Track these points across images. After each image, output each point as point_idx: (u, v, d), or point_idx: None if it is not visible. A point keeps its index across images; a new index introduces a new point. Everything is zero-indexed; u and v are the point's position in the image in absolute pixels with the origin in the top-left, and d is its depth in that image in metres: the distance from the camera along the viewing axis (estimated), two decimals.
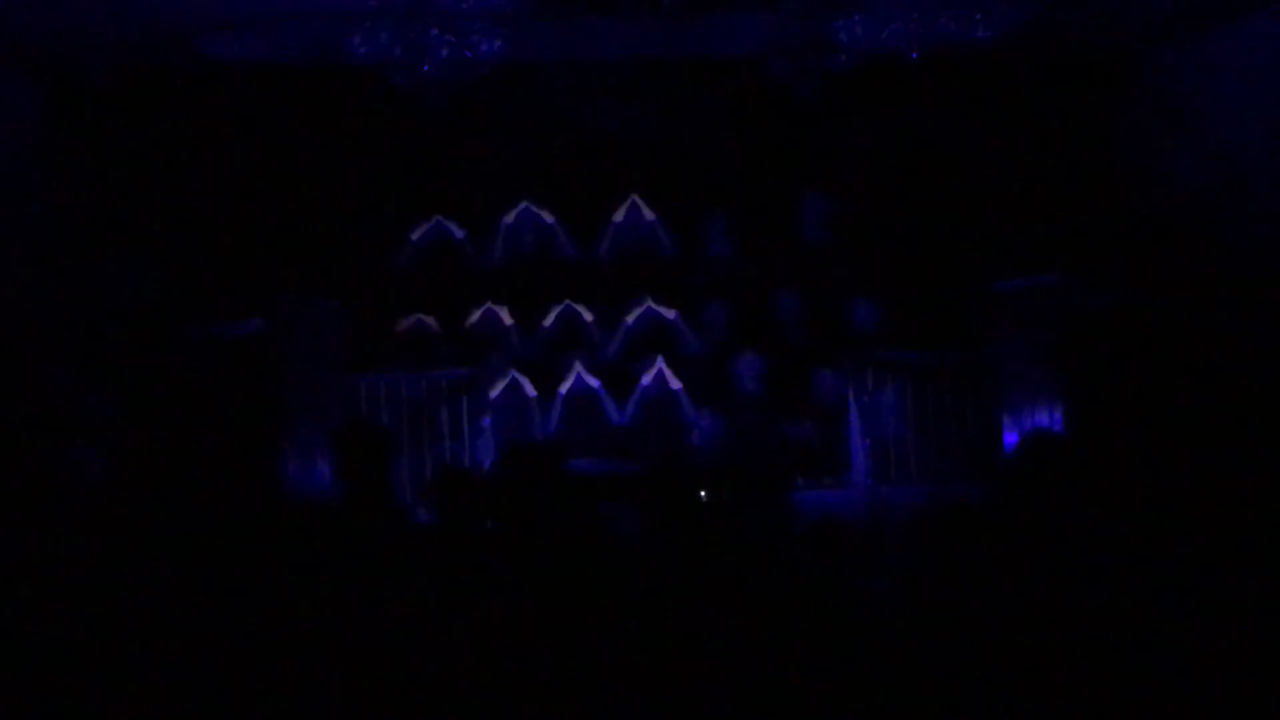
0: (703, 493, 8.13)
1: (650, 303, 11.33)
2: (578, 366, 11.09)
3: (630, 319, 11.34)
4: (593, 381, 11.10)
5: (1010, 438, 10.60)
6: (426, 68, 8.93)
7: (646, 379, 11.11)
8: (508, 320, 11.32)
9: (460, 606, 3.66)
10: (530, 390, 11.03)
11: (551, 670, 3.52)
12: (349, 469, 4.21)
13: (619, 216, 11.48)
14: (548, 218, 11.46)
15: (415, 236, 11.42)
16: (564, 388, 11.06)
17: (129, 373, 9.90)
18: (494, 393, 10.96)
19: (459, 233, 11.47)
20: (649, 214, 11.49)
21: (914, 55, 8.97)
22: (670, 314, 11.36)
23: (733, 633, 3.82)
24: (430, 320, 11.31)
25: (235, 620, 3.91)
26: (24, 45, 9.52)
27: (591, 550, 4.04)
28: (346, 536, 4.10)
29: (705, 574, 4.07)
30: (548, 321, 11.35)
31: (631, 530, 4.49)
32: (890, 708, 3.69)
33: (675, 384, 11.15)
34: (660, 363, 11.13)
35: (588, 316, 11.37)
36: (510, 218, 11.45)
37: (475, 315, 11.31)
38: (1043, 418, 10.40)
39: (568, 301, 11.36)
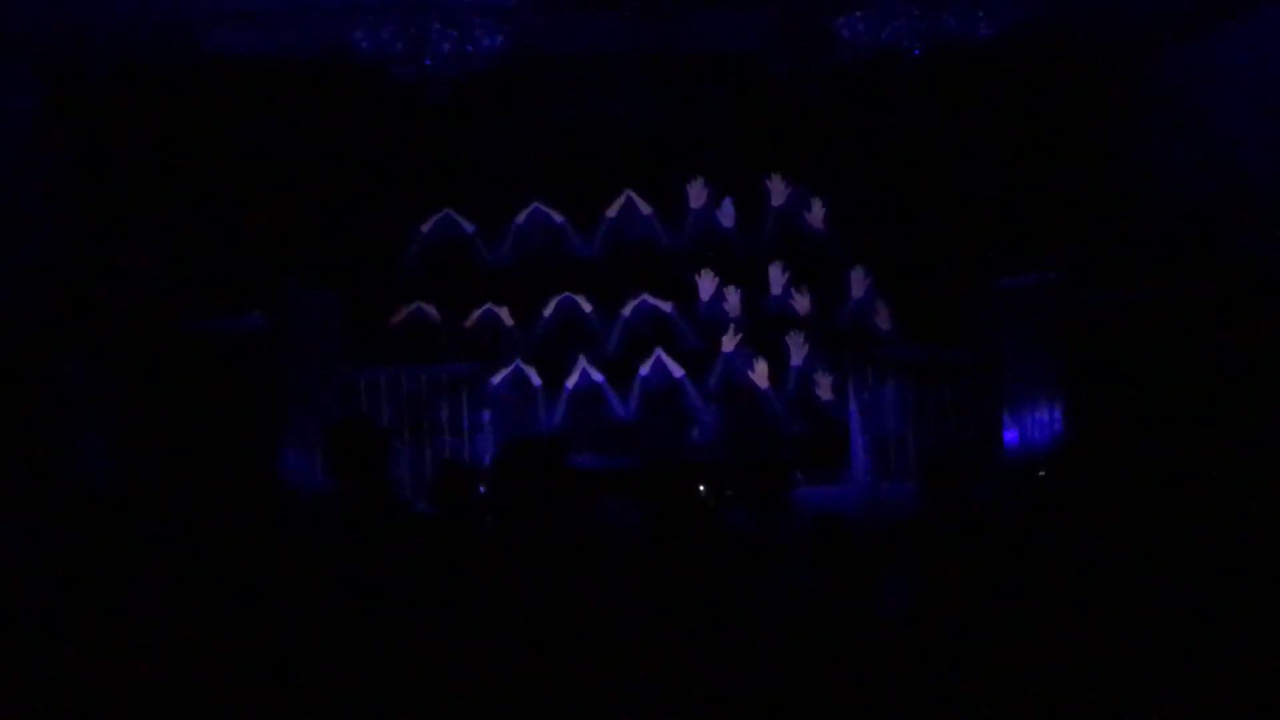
0: (702, 488, 8.14)
1: (646, 296, 11.32)
2: (582, 361, 11.07)
3: (627, 312, 11.32)
4: (596, 376, 11.08)
5: (1010, 434, 10.62)
6: (428, 62, 8.95)
7: (645, 371, 11.09)
8: (508, 315, 11.29)
9: (459, 602, 3.67)
10: (536, 381, 11.01)
11: (550, 665, 3.53)
12: (343, 468, 4.19)
13: (612, 212, 11.49)
14: (556, 217, 11.47)
15: (425, 229, 11.42)
16: (570, 382, 11.03)
17: (131, 366, 9.91)
18: (495, 387, 10.94)
19: (468, 227, 11.46)
20: (645, 208, 11.50)
21: (916, 52, 8.97)
22: (666, 307, 11.35)
23: (731, 629, 3.83)
24: (431, 311, 11.27)
25: (235, 612, 3.92)
26: (25, 38, 9.52)
27: (590, 546, 4.04)
28: (344, 532, 4.11)
29: (704, 570, 4.07)
30: (548, 313, 11.33)
31: (631, 526, 4.49)
32: (890, 704, 3.69)
33: (675, 378, 11.13)
34: (659, 356, 11.11)
35: (586, 308, 11.36)
36: (521, 218, 11.47)
37: (477, 310, 11.29)
38: (1042, 415, 10.41)
39: (568, 294, 11.34)
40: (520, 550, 3.76)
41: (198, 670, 3.75)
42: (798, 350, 11.22)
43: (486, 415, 10.86)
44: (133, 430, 9.76)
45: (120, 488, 9.32)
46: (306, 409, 10.14)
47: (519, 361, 11.02)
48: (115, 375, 9.83)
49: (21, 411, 9.18)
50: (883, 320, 11.34)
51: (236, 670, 3.71)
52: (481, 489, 5.29)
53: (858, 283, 11.41)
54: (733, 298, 11.39)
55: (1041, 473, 9.67)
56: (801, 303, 11.36)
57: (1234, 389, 9.21)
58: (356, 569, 3.85)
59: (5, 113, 9.77)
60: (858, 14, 8.94)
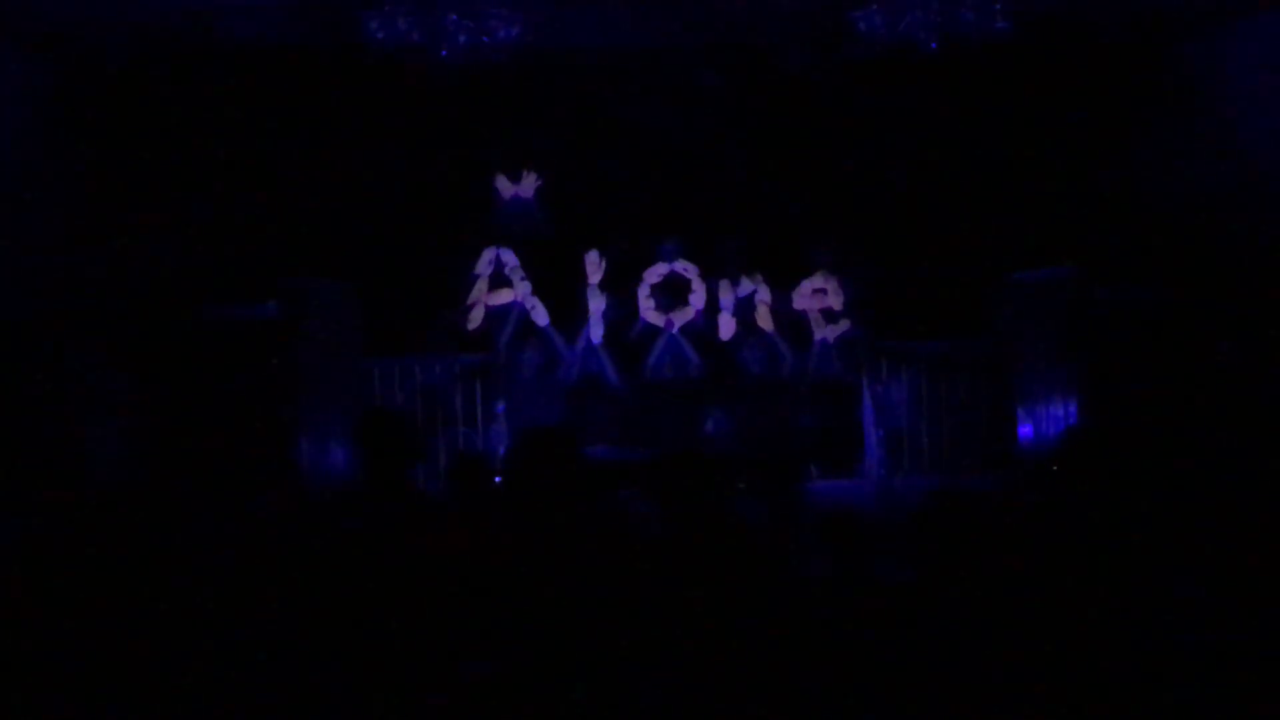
0: (715, 480, 8.13)
1: (663, 288, 11.31)
2: (598, 352, 11.06)
3: (643, 303, 11.30)
4: (611, 367, 11.08)
5: (1024, 429, 10.60)
6: (444, 53, 8.92)
7: (660, 363, 11.09)
8: (525, 306, 11.27)
9: (474, 592, 3.68)
10: (552, 372, 11.01)
11: (565, 655, 3.54)
12: (372, 459, 4.20)
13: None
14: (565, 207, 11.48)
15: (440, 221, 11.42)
16: (585, 373, 11.02)
17: (144, 355, 9.94)
18: (510, 378, 10.95)
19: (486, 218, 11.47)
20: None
21: (933, 46, 8.94)
22: (684, 299, 11.34)
23: (744, 622, 3.84)
24: (447, 301, 11.26)
25: (251, 604, 3.93)
26: (38, 24, 9.55)
27: (605, 537, 4.05)
28: (364, 521, 4.12)
29: (718, 562, 4.08)
30: (564, 305, 11.31)
31: (645, 517, 4.51)
32: (899, 699, 3.70)
33: (690, 370, 11.13)
34: (675, 348, 11.11)
35: (603, 301, 11.34)
36: (532, 206, 11.46)
37: (493, 300, 11.28)
38: (1056, 409, 10.40)
39: (584, 285, 11.32)
40: (535, 540, 3.77)
41: (215, 662, 3.77)
42: (812, 343, 11.21)
43: (501, 406, 10.87)
44: (146, 419, 9.79)
45: (134, 477, 9.36)
46: (321, 399, 10.17)
47: (534, 352, 11.01)
48: (129, 363, 9.86)
49: (34, 401, 9.21)
50: (896, 313, 11.31)
51: (254, 661, 3.73)
52: (497, 479, 5.31)
53: (871, 275, 11.38)
54: (748, 291, 11.37)
55: (1055, 467, 9.64)
56: (816, 296, 11.34)
57: (1250, 385, 9.19)
58: (375, 559, 3.87)
59: (19, 100, 9.80)
60: (874, 7, 8.92)
